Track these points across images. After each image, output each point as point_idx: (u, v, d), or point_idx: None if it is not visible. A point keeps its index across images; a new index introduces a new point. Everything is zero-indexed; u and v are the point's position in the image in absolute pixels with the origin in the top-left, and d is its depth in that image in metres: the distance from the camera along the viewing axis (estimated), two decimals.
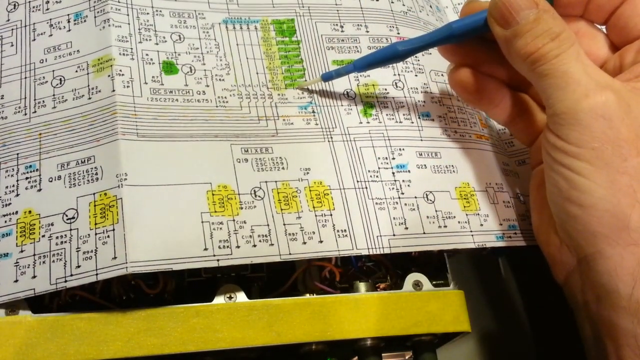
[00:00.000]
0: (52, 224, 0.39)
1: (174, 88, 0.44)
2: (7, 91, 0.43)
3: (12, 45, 0.45)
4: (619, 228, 0.36)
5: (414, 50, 0.44)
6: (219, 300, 0.40)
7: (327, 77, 0.47)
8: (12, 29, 0.46)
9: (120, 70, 0.43)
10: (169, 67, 0.45)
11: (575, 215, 0.38)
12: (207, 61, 0.46)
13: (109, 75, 0.43)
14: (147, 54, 0.45)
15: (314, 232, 0.41)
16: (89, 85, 0.43)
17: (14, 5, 0.46)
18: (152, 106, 0.43)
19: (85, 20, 0.45)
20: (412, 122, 0.47)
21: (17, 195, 0.40)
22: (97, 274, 0.37)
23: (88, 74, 0.43)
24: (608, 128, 0.36)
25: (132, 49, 0.45)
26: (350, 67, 0.46)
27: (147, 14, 0.47)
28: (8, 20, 0.46)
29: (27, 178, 0.40)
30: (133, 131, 0.41)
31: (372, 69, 0.46)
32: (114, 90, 0.42)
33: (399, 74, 0.49)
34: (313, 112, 0.46)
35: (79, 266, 0.37)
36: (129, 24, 0.46)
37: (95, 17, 0.45)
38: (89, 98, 0.42)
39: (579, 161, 0.37)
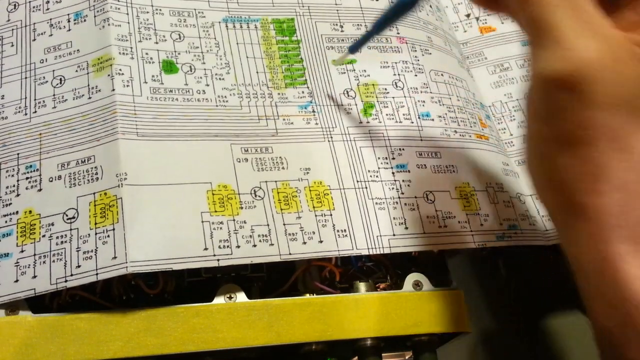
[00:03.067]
0: (53, 224, 0.39)
1: (173, 87, 0.44)
2: (8, 91, 0.43)
3: (12, 46, 0.45)
4: None
5: None
6: (219, 300, 0.40)
7: (353, 48, 0.46)
8: (13, 29, 0.46)
9: (120, 70, 0.43)
10: (169, 66, 0.45)
11: None
12: (207, 60, 0.46)
13: (108, 75, 0.43)
14: (147, 53, 0.45)
15: (314, 232, 0.41)
16: (89, 85, 0.43)
17: (14, 5, 0.46)
18: (152, 105, 0.43)
19: (85, 20, 0.45)
20: (412, 122, 0.47)
21: (18, 195, 0.40)
22: (97, 274, 0.37)
23: (88, 73, 0.43)
24: None
25: (132, 48, 0.44)
26: (370, 32, 0.45)
27: (147, 12, 0.47)
28: (8, 20, 0.46)
29: (27, 178, 0.40)
30: (133, 130, 0.41)
31: (389, 25, 0.45)
32: (113, 90, 0.42)
33: (398, 74, 0.49)
34: (313, 111, 0.46)
35: (79, 266, 0.37)
36: (128, 22, 0.45)
37: (95, 16, 0.45)
38: (89, 98, 0.42)
39: None
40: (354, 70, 0.48)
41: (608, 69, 0.30)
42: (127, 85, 0.43)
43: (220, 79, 0.46)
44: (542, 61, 0.31)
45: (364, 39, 0.46)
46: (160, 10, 0.47)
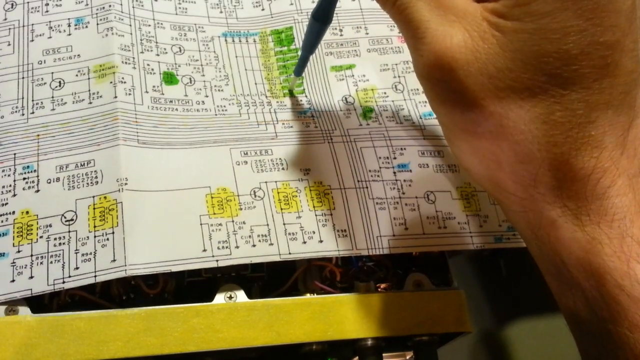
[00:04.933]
0: (50, 225, 0.39)
1: (174, 98, 0.45)
2: (4, 90, 0.44)
3: (9, 45, 0.45)
4: None
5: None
6: (219, 300, 0.40)
7: (297, 72, 0.46)
8: (10, 29, 0.46)
9: (123, 78, 0.43)
10: (170, 78, 0.45)
11: None
12: (206, 72, 0.47)
13: (111, 82, 0.43)
14: (148, 64, 0.45)
15: (314, 232, 0.41)
16: (89, 90, 0.43)
17: (12, 4, 0.47)
18: (152, 114, 0.43)
19: (87, 26, 0.46)
20: (414, 122, 0.47)
21: (14, 195, 0.40)
22: (95, 276, 0.37)
23: (89, 79, 0.44)
24: None
25: (134, 58, 0.45)
26: (303, 55, 0.44)
27: (149, 25, 0.47)
28: (5, 19, 0.46)
29: (24, 178, 0.40)
30: (134, 137, 0.41)
31: (317, 43, 0.43)
32: (116, 97, 0.43)
33: (398, 76, 0.49)
34: (312, 116, 0.46)
35: (77, 268, 0.37)
36: (131, 34, 0.46)
37: (97, 24, 0.46)
38: (90, 103, 0.43)
39: None
40: (353, 75, 0.48)
41: (469, 50, 0.30)
42: (129, 94, 0.43)
43: (219, 90, 0.46)
44: (416, 59, 0.32)
45: (301, 61, 0.45)
46: (161, 24, 0.48)
